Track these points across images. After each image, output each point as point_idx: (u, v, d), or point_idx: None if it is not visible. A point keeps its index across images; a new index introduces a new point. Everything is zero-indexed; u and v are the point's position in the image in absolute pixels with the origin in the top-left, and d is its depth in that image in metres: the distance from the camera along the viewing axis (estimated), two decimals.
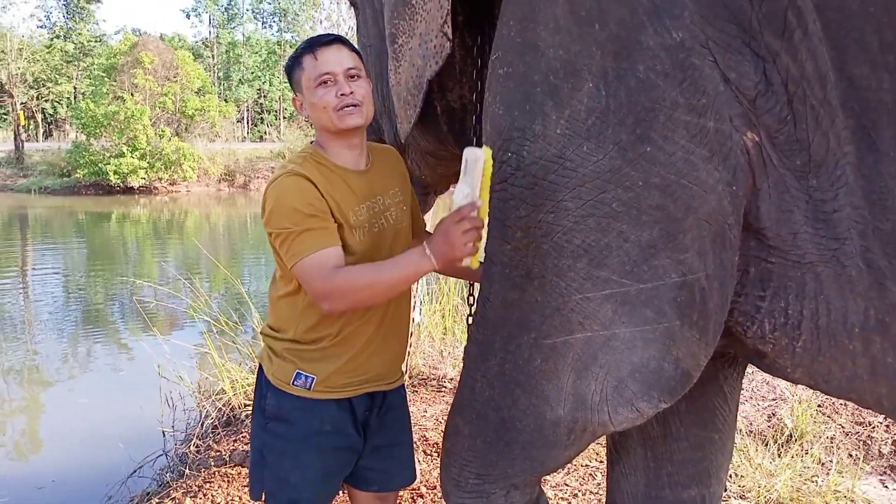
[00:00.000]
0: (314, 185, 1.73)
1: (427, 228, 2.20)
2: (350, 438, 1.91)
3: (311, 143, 1.88)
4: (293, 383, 1.84)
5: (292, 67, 1.81)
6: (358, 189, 1.82)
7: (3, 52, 32.19)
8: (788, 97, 1.43)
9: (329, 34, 1.81)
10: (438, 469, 1.98)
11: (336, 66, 1.75)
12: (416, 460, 2.09)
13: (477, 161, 1.62)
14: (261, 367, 1.94)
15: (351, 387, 1.88)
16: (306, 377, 1.83)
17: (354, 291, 1.70)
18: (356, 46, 1.83)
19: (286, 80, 1.89)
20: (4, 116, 37.64)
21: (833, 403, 4.35)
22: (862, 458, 3.73)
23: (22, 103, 33.06)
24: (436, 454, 3.61)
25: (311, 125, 1.86)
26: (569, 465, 3.48)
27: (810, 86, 1.41)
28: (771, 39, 1.41)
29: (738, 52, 1.43)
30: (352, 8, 2.65)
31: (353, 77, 1.77)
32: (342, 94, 1.74)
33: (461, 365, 1.94)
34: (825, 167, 1.43)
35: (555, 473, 3.41)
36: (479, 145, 1.67)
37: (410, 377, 4.84)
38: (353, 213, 1.79)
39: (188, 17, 65.58)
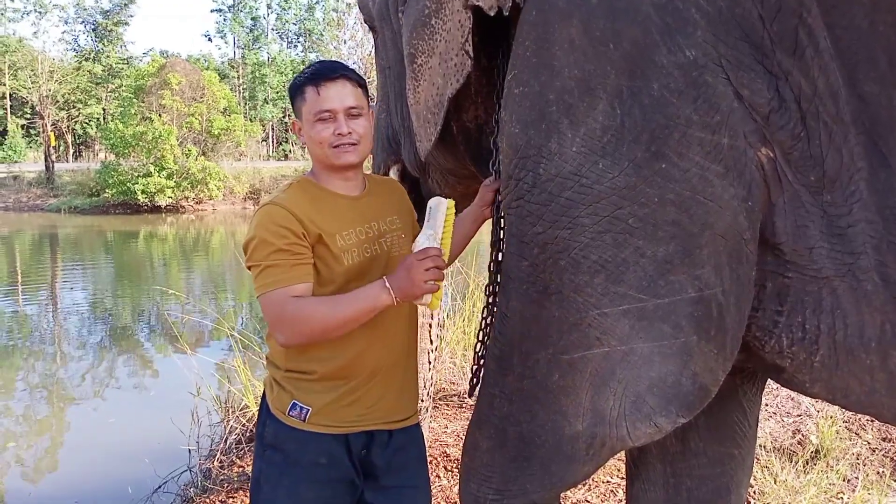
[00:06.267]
0: (292, 213, 1.71)
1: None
2: (347, 471, 1.82)
3: (305, 174, 1.89)
4: (289, 413, 1.80)
5: (295, 93, 1.80)
6: (348, 213, 1.81)
7: (34, 74, 32.93)
8: (801, 114, 1.44)
9: (335, 65, 1.81)
10: (458, 485, 1.99)
11: (337, 103, 1.74)
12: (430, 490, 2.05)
13: (440, 206, 1.71)
14: (264, 394, 1.91)
15: (347, 422, 1.81)
16: (301, 408, 1.78)
17: (305, 322, 1.67)
18: (361, 77, 1.82)
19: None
20: (35, 137, 38.33)
21: (860, 420, 4.29)
22: (889, 475, 3.68)
23: (52, 124, 33.63)
24: (456, 470, 3.60)
25: None
26: (590, 482, 3.47)
27: (823, 102, 1.42)
28: (783, 57, 1.43)
29: (750, 70, 1.45)
30: (370, 31, 2.70)
31: (353, 116, 1.76)
32: (339, 134, 1.75)
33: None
34: (839, 183, 1.44)
35: (576, 490, 3.40)
36: (497, 164, 1.70)
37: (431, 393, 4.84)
38: (340, 237, 1.77)
39: (209, 40, 66.30)
